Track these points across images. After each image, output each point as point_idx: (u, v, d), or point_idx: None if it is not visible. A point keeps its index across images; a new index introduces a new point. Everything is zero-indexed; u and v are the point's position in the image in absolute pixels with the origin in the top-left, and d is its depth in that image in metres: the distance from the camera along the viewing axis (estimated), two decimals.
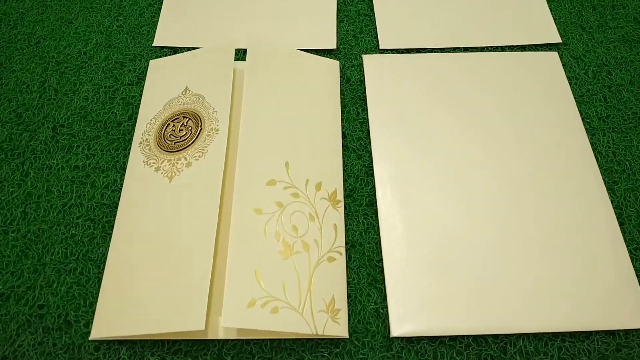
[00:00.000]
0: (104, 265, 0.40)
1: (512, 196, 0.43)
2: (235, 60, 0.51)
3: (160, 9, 0.56)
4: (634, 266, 0.40)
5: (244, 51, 0.52)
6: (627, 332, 0.37)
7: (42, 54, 0.52)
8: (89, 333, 0.37)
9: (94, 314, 0.38)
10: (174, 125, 0.45)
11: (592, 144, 0.46)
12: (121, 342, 0.37)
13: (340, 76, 0.51)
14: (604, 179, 0.44)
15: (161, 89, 0.48)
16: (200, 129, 0.44)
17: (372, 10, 0.56)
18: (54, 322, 0.38)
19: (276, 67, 0.48)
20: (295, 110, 0.46)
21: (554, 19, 0.55)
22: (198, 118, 0.45)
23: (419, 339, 0.37)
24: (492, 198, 0.43)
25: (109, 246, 0.41)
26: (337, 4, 0.56)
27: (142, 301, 0.37)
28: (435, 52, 0.52)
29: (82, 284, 0.39)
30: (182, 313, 0.35)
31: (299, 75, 0.48)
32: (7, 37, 0.53)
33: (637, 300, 0.38)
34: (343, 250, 0.40)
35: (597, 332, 0.37)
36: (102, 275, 0.40)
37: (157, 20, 0.55)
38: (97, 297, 0.39)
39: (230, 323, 0.34)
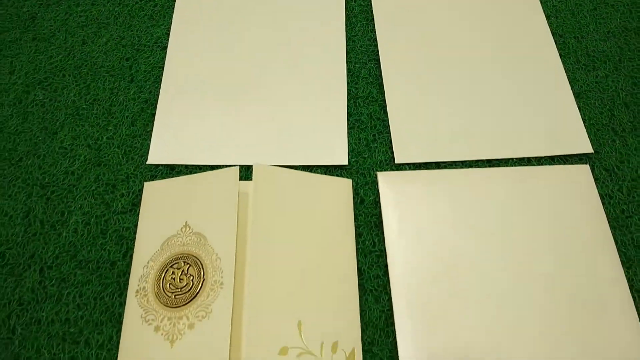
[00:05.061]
0: None
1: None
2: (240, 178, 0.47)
3: (153, 114, 0.51)
4: None
5: (248, 167, 0.48)
6: None
7: (25, 176, 0.47)
8: None
9: None
10: (173, 273, 0.41)
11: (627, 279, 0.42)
12: None
13: (353, 196, 0.47)
14: None
15: (158, 223, 0.44)
16: (203, 280, 0.40)
17: (385, 112, 0.51)
18: None
19: (284, 193, 0.43)
20: (308, 245, 0.42)
21: (584, 120, 0.50)
22: (200, 265, 0.41)
23: None
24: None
25: None
26: (348, 108, 0.51)
27: None
28: (456, 165, 0.48)
29: None
30: None
31: (310, 201, 0.44)
32: None
33: None
34: None
35: None
36: None
37: (151, 129, 0.50)
38: None
39: None
